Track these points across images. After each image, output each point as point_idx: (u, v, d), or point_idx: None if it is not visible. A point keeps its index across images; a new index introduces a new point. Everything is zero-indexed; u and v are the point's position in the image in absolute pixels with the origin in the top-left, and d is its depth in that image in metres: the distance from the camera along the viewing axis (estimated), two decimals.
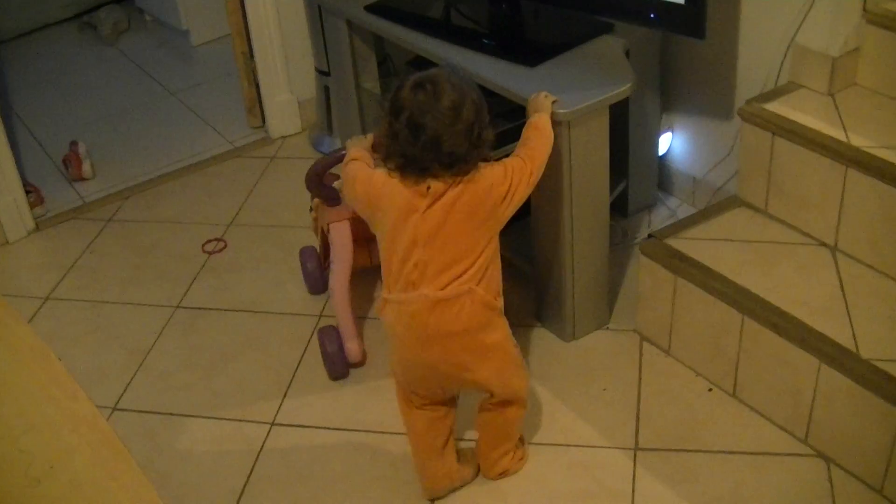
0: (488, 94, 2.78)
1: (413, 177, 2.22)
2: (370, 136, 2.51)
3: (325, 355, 2.86)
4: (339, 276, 2.88)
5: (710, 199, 3.24)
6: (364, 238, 3.06)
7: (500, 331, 2.36)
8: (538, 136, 2.44)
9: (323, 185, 2.84)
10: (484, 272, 2.29)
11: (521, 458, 2.56)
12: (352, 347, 2.86)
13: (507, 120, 2.90)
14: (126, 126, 4.33)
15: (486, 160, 2.29)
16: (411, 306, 2.26)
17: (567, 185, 2.68)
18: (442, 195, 2.22)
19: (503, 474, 2.53)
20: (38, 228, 3.69)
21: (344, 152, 2.62)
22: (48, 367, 2.18)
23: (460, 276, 2.25)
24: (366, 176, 2.32)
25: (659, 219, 3.33)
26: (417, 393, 2.41)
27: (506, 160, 2.33)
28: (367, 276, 3.19)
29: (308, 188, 2.85)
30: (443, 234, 2.23)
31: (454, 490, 2.50)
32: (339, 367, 2.87)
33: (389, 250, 2.28)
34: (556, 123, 2.56)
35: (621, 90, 2.63)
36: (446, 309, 2.25)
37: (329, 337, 2.85)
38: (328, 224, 2.89)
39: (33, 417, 2.05)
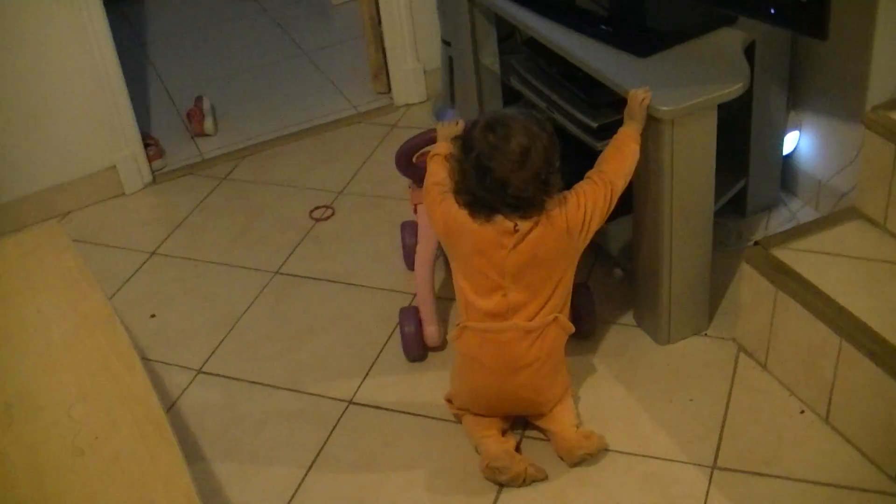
0: (595, 84, 2.69)
1: (482, 215, 2.27)
2: (461, 123, 2.48)
3: (403, 336, 2.81)
4: (423, 258, 2.81)
5: (835, 205, 3.07)
6: None
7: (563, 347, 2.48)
8: (616, 157, 2.45)
9: (412, 166, 2.77)
10: (564, 299, 2.41)
11: (590, 437, 2.48)
12: (431, 331, 2.80)
13: (615, 110, 2.78)
14: (254, 83, 4.35)
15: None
16: (503, 335, 2.36)
17: (668, 185, 2.55)
18: (528, 233, 2.28)
19: (582, 456, 2.46)
20: (154, 182, 3.74)
21: (435, 133, 2.58)
22: (112, 335, 2.20)
23: (545, 305, 2.36)
24: (446, 206, 2.35)
25: (778, 221, 3.16)
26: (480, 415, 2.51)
27: (578, 187, 2.39)
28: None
29: (397, 168, 2.78)
30: (529, 270, 2.32)
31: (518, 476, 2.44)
32: (416, 349, 2.82)
33: (468, 280, 2.38)
34: (657, 121, 2.45)
35: (731, 89, 2.49)
36: (537, 339, 2.37)
37: (408, 318, 2.81)
38: (416, 205, 2.82)
39: (88, 387, 2.07)
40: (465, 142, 2.27)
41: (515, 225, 2.26)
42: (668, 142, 2.49)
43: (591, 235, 2.37)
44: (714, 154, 2.59)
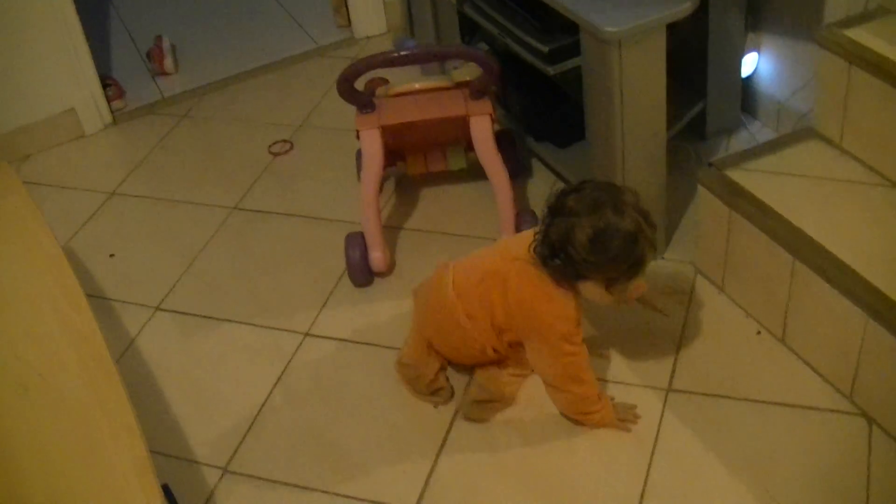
0: (546, 8, 2.65)
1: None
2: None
3: (348, 262, 2.81)
4: (367, 184, 2.79)
5: (795, 126, 3.04)
6: (422, 144, 3.00)
7: None
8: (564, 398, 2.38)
9: (353, 91, 2.74)
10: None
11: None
12: (376, 256, 2.80)
13: (566, 34, 2.74)
14: (214, 21, 4.30)
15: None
16: None
17: (619, 109, 2.53)
18: None
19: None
20: (115, 122, 3.70)
21: (381, 59, 2.56)
22: (61, 276, 2.18)
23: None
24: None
25: (738, 143, 3.14)
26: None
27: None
28: (414, 185, 3.18)
29: (339, 94, 2.75)
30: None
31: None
32: (362, 274, 2.82)
33: None
34: (605, 44, 2.42)
35: (679, 9, 2.45)
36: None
37: (354, 243, 2.80)
38: (359, 130, 2.79)
39: (34, 326, 2.05)
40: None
41: None
42: (617, 64, 2.46)
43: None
44: (664, 76, 2.56)
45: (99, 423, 1.81)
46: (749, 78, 3.20)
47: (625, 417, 2.37)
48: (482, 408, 2.45)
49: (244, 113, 3.68)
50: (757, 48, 3.14)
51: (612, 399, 2.41)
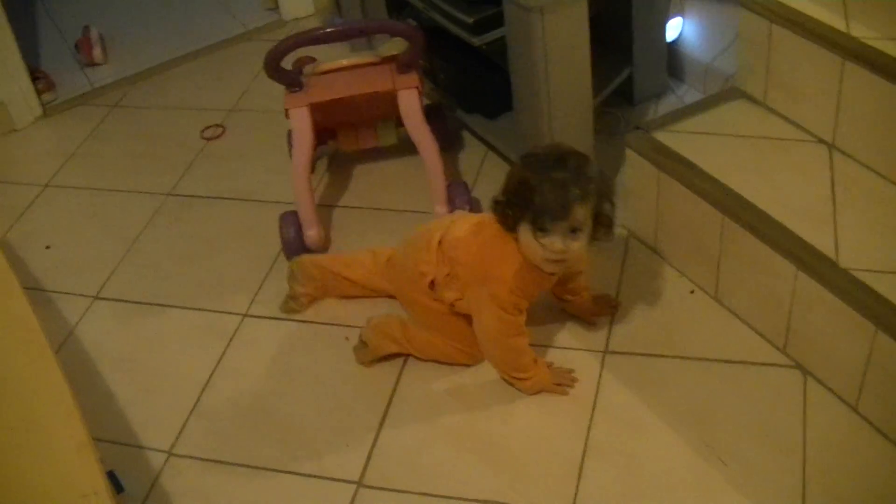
0: None
1: None
2: None
3: (283, 240, 2.82)
4: (299, 162, 2.79)
5: (722, 87, 3.08)
6: (352, 121, 3.01)
7: None
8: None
9: (281, 70, 2.74)
10: None
11: None
12: (311, 234, 2.81)
13: (491, 5, 2.76)
14: (141, 9, 4.26)
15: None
16: None
17: (543, 77, 2.55)
18: None
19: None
20: (45, 115, 3.67)
21: (308, 36, 2.56)
22: None
23: None
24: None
25: (666, 108, 3.17)
26: None
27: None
28: (346, 162, 3.19)
29: (267, 72, 2.75)
30: None
31: None
32: (297, 252, 2.81)
33: None
34: (526, 11, 2.44)
35: None
36: None
37: (288, 222, 2.81)
38: (288, 109, 2.79)
39: None
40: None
41: None
42: (540, 32, 2.48)
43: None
44: (588, 42, 2.59)
45: (38, 409, 1.82)
46: (674, 42, 3.23)
47: (561, 381, 2.40)
48: (358, 350, 2.54)
49: (175, 99, 3.67)
50: (681, 12, 3.17)
51: (551, 364, 2.44)
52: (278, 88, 2.86)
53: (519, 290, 2.27)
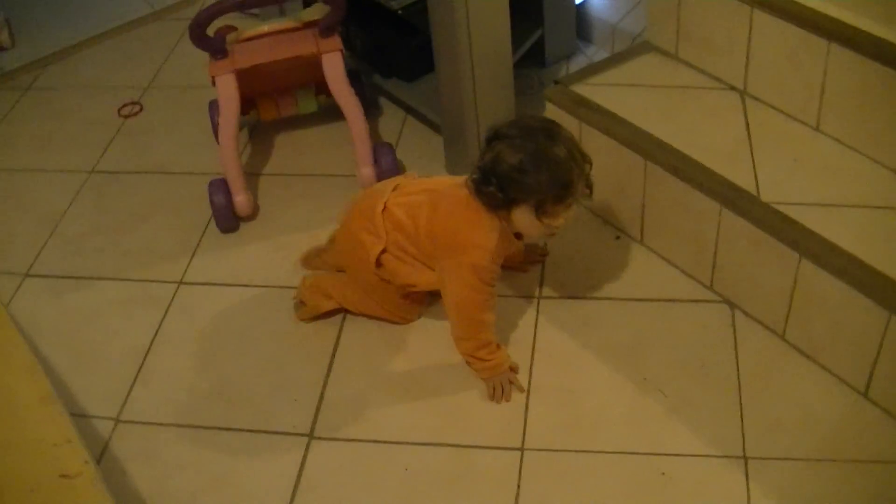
0: None
1: None
2: None
3: (214, 207, 2.84)
4: (225, 130, 2.82)
5: (627, 47, 3.18)
6: (273, 90, 3.04)
7: None
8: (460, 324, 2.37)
9: (206, 37, 2.76)
10: None
11: None
12: (241, 200, 2.84)
13: None
14: None
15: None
16: None
17: (466, 37, 2.62)
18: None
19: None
20: None
21: (232, 2, 2.59)
22: None
23: None
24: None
25: (577, 68, 3.25)
26: None
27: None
28: (268, 131, 3.23)
29: (192, 40, 2.77)
30: None
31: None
32: (228, 219, 2.85)
33: None
34: None
35: None
36: None
37: (217, 189, 2.83)
38: (214, 77, 2.81)
39: None
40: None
41: None
42: None
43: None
44: (507, 2, 2.66)
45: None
46: (581, 5, 3.33)
47: (513, 381, 2.38)
48: (298, 308, 2.59)
49: (89, 80, 3.65)
50: None
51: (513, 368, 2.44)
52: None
53: (499, 258, 2.29)
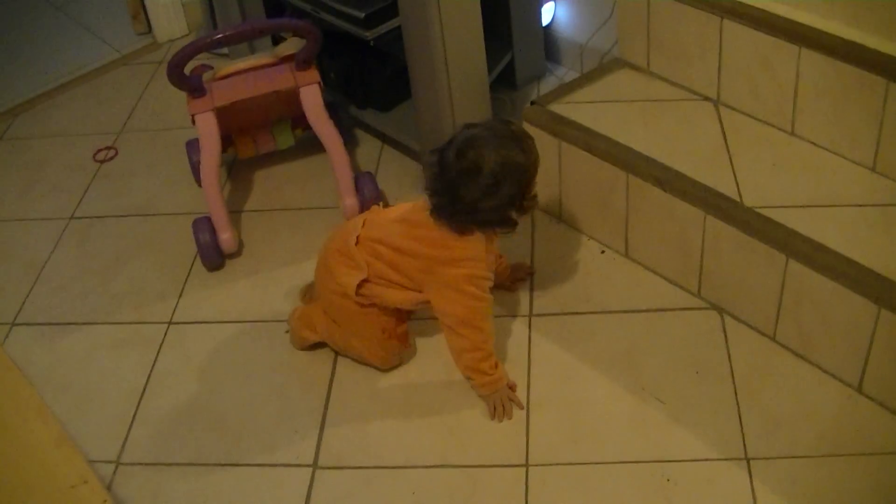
0: None
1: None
2: None
3: (199, 246, 2.84)
4: (208, 168, 2.83)
5: (600, 64, 3.23)
6: (250, 127, 3.06)
7: None
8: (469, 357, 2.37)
9: (184, 77, 2.78)
10: None
11: None
12: (226, 238, 2.85)
13: None
14: (8, 43, 4.22)
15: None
16: None
17: (442, 63, 2.66)
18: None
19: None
20: None
21: (209, 39, 2.61)
22: None
23: None
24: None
25: (548, 88, 3.29)
26: None
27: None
28: (246, 168, 3.24)
29: (170, 80, 2.78)
30: None
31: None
32: (213, 257, 2.86)
33: None
34: (424, 2, 2.54)
35: None
36: None
37: (202, 228, 2.84)
38: (193, 115, 2.82)
39: None
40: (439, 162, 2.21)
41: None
42: (437, 18, 2.58)
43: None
44: (481, 24, 2.70)
45: (8, 411, 1.82)
46: (549, 26, 3.37)
47: (513, 399, 2.39)
48: (291, 336, 2.61)
49: (61, 128, 3.65)
50: None
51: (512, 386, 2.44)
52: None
53: (490, 264, 2.33)
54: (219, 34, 2.70)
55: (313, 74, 2.83)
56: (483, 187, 2.15)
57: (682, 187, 2.45)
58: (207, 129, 2.79)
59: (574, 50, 3.35)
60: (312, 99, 2.82)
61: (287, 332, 2.62)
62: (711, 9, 2.58)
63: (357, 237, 2.35)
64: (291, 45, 2.88)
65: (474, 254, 2.26)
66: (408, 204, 2.39)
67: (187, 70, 2.81)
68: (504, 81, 3.29)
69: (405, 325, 2.48)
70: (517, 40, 3.24)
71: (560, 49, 3.40)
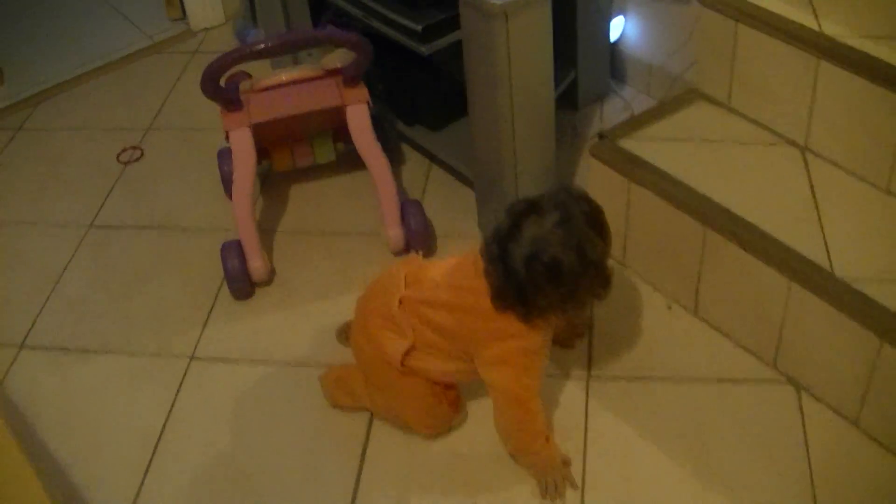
0: None
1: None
2: None
3: (227, 273, 2.62)
4: (241, 189, 2.60)
5: (669, 89, 2.98)
6: (287, 138, 2.83)
7: None
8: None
9: (220, 89, 2.55)
10: None
11: None
12: (257, 266, 2.62)
13: (439, 9, 2.61)
14: (36, 24, 3.99)
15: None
16: None
17: (507, 85, 2.41)
18: None
19: None
20: None
21: (248, 51, 2.37)
22: None
23: None
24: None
25: (612, 111, 3.07)
26: None
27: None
28: (281, 182, 3.01)
29: (204, 92, 2.55)
30: None
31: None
32: (242, 286, 2.63)
33: None
34: (488, 17, 2.29)
35: None
36: None
37: (231, 254, 2.61)
38: (228, 131, 2.60)
39: None
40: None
41: None
42: (504, 38, 2.34)
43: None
44: (551, 47, 2.46)
45: None
46: (616, 43, 3.12)
47: (566, 477, 2.16)
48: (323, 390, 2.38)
49: (85, 120, 3.42)
50: (623, 11, 3.06)
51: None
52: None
53: (548, 335, 2.08)
54: (259, 45, 2.46)
55: (362, 93, 2.59)
56: (561, 294, 1.94)
57: (766, 249, 2.21)
58: (242, 148, 2.56)
59: (641, 70, 3.10)
60: (359, 120, 2.58)
61: (319, 377, 2.39)
62: (809, 48, 2.33)
63: (400, 299, 2.12)
64: (338, 58, 2.63)
65: (531, 331, 2.02)
66: (455, 259, 2.17)
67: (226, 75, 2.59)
68: (564, 100, 3.04)
69: (456, 389, 2.25)
70: (582, 57, 3.00)
71: (626, 67, 3.15)
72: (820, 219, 2.29)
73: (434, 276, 2.16)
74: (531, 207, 1.94)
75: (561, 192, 1.97)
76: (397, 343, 2.11)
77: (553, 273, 1.90)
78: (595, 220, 1.97)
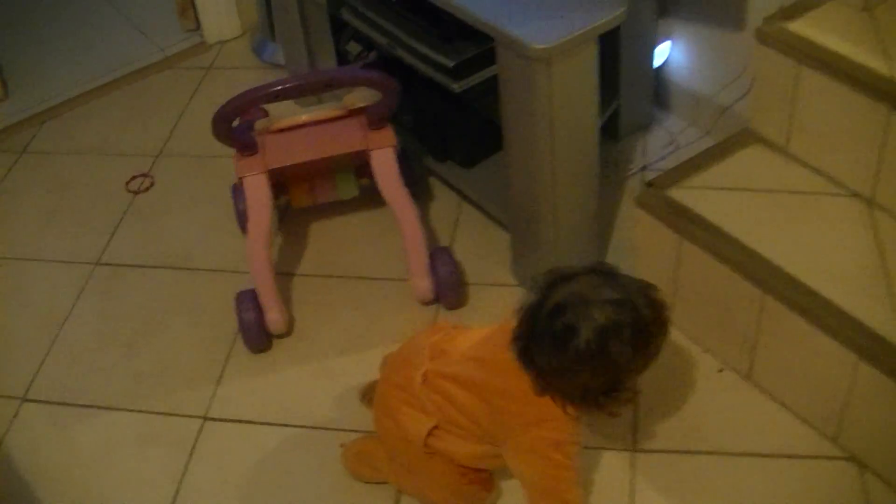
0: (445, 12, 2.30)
1: None
2: None
3: (242, 326, 2.44)
4: (256, 237, 2.42)
5: (717, 121, 2.79)
6: (304, 174, 2.64)
7: None
8: None
9: (233, 130, 2.37)
10: None
11: None
12: (274, 318, 2.44)
13: (472, 44, 2.42)
14: (44, 35, 3.80)
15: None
16: None
17: (547, 131, 2.22)
18: None
19: None
20: None
21: (264, 92, 2.19)
22: None
23: None
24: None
25: (656, 144, 2.87)
26: None
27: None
28: (300, 219, 2.83)
29: (216, 136, 2.37)
30: None
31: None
32: (258, 339, 2.46)
33: None
34: (528, 61, 2.10)
35: (613, 16, 2.14)
36: None
37: (246, 305, 2.43)
38: (242, 178, 2.42)
39: None
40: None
41: None
42: (546, 84, 2.14)
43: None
44: (597, 90, 2.27)
45: None
46: (660, 69, 2.92)
47: None
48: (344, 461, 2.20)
49: (92, 142, 3.24)
50: (669, 36, 2.86)
51: None
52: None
53: (579, 424, 1.89)
54: (277, 86, 2.26)
55: (388, 136, 2.41)
56: (609, 383, 1.78)
57: (832, 323, 2.01)
58: (258, 195, 2.38)
59: (687, 99, 2.90)
60: (385, 165, 2.40)
61: (341, 446, 2.21)
62: (879, 96, 2.13)
63: (424, 374, 1.95)
64: (363, 96, 2.43)
65: (558, 412, 1.83)
66: (488, 330, 1.98)
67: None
68: (603, 130, 2.82)
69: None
70: (625, 85, 2.79)
71: (670, 94, 2.94)
72: (889, 284, 2.09)
73: (463, 347, 1.99)
74: (577, 296, 1.77)
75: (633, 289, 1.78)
76: (420, 422, 1.95)
77: (610, 365, 1.74)
78: (658, 316, 1.78)
